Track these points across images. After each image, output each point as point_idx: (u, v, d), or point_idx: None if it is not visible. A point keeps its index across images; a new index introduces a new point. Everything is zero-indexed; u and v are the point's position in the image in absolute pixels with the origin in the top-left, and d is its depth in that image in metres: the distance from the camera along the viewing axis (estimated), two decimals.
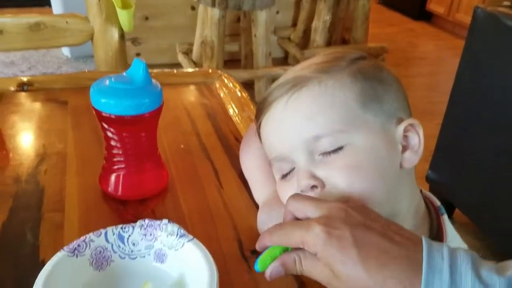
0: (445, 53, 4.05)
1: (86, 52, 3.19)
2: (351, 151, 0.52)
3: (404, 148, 0.56)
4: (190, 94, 0.97)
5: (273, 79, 2.93)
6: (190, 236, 0.54)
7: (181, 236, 0.54)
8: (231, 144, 0.82)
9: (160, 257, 0.55)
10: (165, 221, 0.55)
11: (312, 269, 0.42)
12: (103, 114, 0.61)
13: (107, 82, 0.62)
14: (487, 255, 1.80)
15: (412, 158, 0.56)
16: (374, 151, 0.53)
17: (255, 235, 0.62)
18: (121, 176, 0.66)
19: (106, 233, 0.54)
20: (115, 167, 0.66)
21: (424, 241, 0.41)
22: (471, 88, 1.77)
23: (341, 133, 0.53)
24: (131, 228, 0.55)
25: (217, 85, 1.02)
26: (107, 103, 0.60)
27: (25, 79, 0.94)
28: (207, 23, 2.70)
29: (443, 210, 0.61)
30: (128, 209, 0.65)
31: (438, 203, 0.62)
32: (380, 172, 0.53)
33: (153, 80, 0.64)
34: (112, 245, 0.54)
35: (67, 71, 3.02)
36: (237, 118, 0.89)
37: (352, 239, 0.40)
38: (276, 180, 0.61)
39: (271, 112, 0.58)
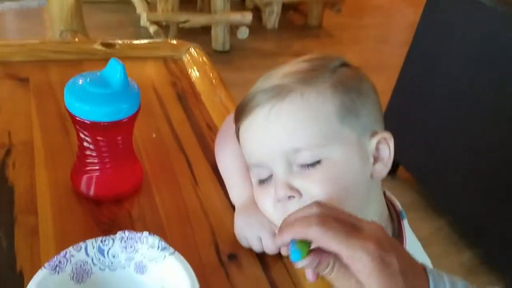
0: (399, 2, 4.06)
1: None
2: (328, 165, 0.55)
3: (375, 160, 0.59)
4: (158, 71, 0.93)
5: (231, 24, 2.85)
6: (171, 249, 0.54)
7: (162, 249, 0.54)
8: (203, 133, 0.81)
9: (141, 268, 0.55)
10: (145, 233, 0.55)
11: (341, 281, 0.43)
12: (78, 119, 0.59)
13: (82, 83, 0.59)
14: (429, 211, 1.93)
15: (381, 170, 0.59)
16: (350, 164, 0.57)
17: (232, 239, 0.64)
18: (94, 177, 0.64)
19: (86, 247, 0.53)
20: (88, 168, 0.64)
21: (428, 271, 0.44)
22: (426, 53, 1.82)
23: (320, 147, 0.55)
24: (111, 241, 0.55)
25: (186, 60, 0.98)
26: (82, 108, 0.58)
27: None
28: None
29: (403, 214, 0.65)
30: (103, 210, 0.64)
31: (399, 207, 0.65)
32: (354, 184, 0.57)
33: (130, 80, 0.61)
34: (92, 258, 0.54)
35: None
36: (209, 102, 0.87)
37: (398, 266, 0.41)
38: (253, 184, 0.62)
39: (253, 118, 0.58)
